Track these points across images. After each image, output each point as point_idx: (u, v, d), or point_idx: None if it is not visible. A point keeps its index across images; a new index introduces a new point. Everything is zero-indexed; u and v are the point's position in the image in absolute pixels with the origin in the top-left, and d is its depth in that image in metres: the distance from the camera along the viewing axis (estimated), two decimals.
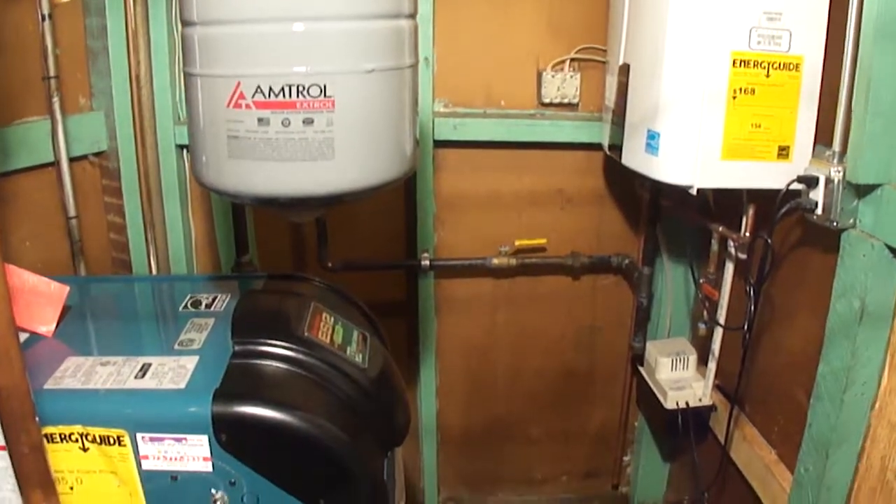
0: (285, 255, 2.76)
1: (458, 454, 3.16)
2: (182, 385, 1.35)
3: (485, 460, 3.19)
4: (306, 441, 1.29)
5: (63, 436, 1.32)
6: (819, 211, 1.77)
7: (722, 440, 2.38)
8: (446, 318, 2.88)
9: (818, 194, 1.77)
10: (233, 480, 1.34)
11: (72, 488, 1.36)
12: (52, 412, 1.29)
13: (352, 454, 1.31)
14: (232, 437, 1.30)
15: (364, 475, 1.33)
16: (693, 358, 2.62)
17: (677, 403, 2.51)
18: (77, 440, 1.32)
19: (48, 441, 1.31)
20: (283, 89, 1.37)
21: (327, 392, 1.41)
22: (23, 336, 1.51)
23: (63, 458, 1.34)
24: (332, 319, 1.59)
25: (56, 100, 2.10)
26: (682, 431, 2.50)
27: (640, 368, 2.80)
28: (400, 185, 2.61)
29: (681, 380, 2.59)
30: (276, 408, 1.29)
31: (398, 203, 2.72)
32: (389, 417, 1.50)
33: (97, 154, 2.37)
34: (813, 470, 1.86)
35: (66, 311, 1.62)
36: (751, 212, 2.05)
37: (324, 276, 1.91)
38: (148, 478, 1.35)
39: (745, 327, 2.07)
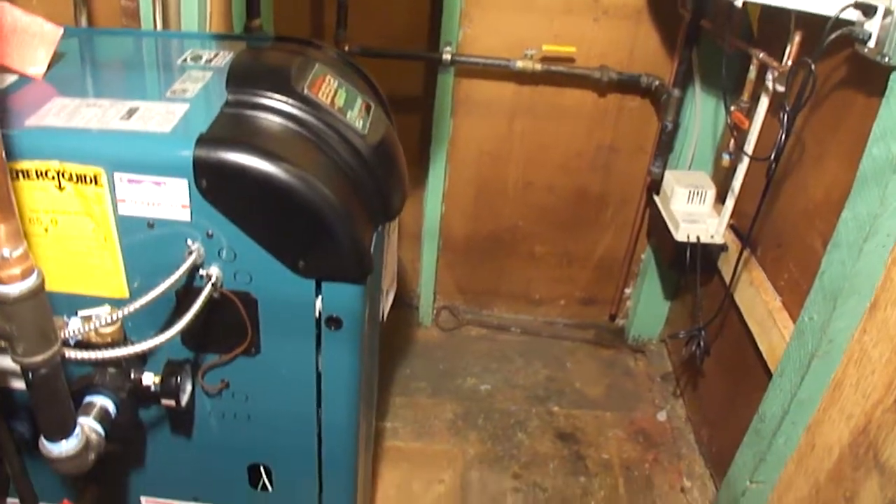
0: (302, 35, 2.64)
1: (458, 263, 3.13)
2: (167, 129, 1.28)
3: (485, 273, 3.16)
4: (290, 195, 1.22)
5: (39, 172, 1.26)
6: (871, 44, 1.63)
7: (728, 281, 2.31)
8: (462, 121, 2.78)
9: (873, 25, 1.62)
10: (210, 232, 1.28)
11: (46, 230, 1.32)
12: (30, 147, 1.24)
13: (337, 216, 1.24)
14: (213, 183, 1.23)
15: (348, 240, 1.27)
16: (711, 193, 2.53)
17: (688, 237, 2.44)
18: (53, 177, 1.26)
19: (24, 177, 1.26)
20: None
21: (319, 151, 1.33)
22: (11, 77, 1.46)
23: (39, 198, 1.29)
24: (336, 83, 1.49)
25: None
26: (689, 267, 2.43)
27: (655, 197, 2.72)
28: None
29: (695, 213, 2.52)
30: (263, 157, 1.21)
31: None
32: (383, 188, 1.42)
33: None
34: (817, 319, 1.79)
35: (60, 57, 1.54)
36: (797, 39, 1.92)
37: None
38: (124, 223, 1.29)
39: (772, 157, 1.96)
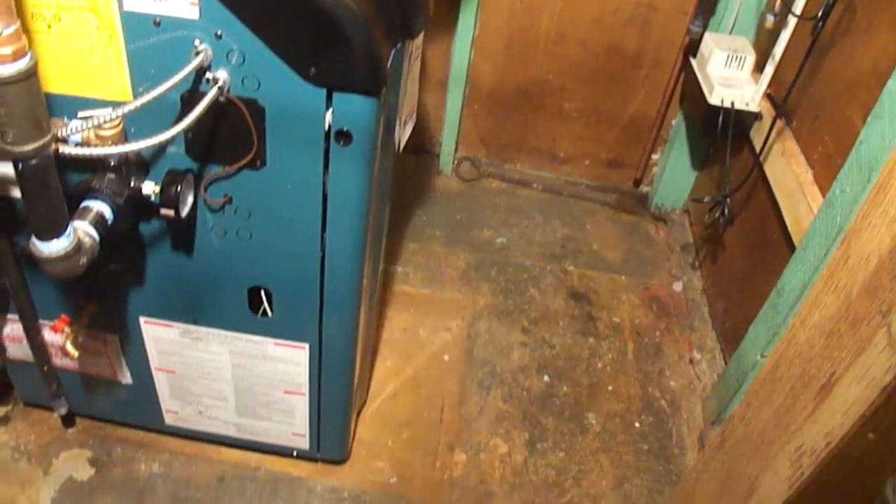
0: None
1: (483, 113, 3.05)
2: None
3: (510, 126, 3.08)
4: None
5: None
6: None
7: (758, 150, 2.23)
8: None
9: None
10: (219, 33, 1.21)
11: (49, 27, 1.26)
12: None
13: (353, 20, 1.17)
14: None
15: (363, 48, 1.20)
16: (750, 60, 2.43)
17: (722, 101, 2.35)
18: None
19: None
20: None
21: None
22: None
23: None
24: None
25: None
26: (720, 133, 2.35)
27: (692, 60, 2.62)
28: None
29: (732, 79, 2.43)
30: None
31: None
32: (404, 1, 1.34)
33: None
34: (849, 192, 1.72)
35: None
36: None
37: None
38: (129, 19, 1.23)
39: (820, 16, 1.87)
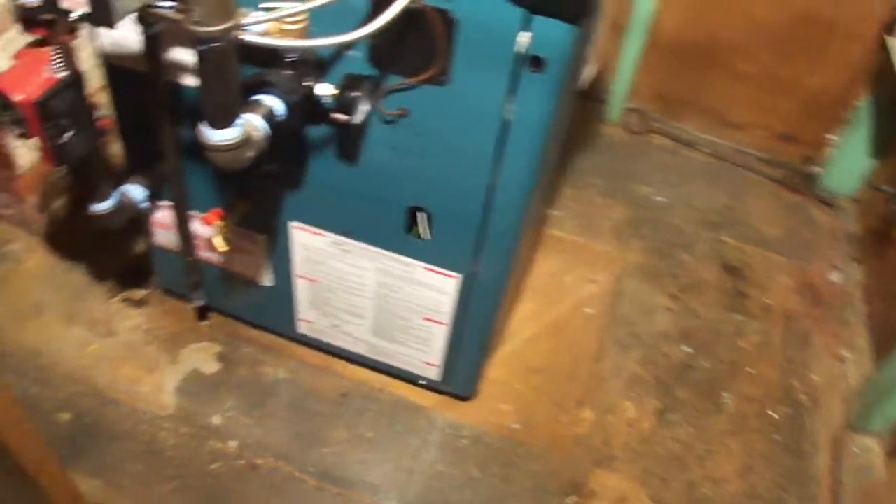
0: None
1: (659, 66, 2.93)
2: None
3: (685, 82, 2.96)
4: None
5: None
6: None
7: None
8: None
9: None
10: None
11: None
12: None
13: None
14: None
15: None
16: None
17: None
18: None
19: None
20: None
21: None
22: None
23: None
24: None
25: None
26: None
27: (888, 38, 2.45)
28: None
29: None
30: None
31: None
32: None
33: None
34: None
35: None
36: None
37: None
38: None
39: None
